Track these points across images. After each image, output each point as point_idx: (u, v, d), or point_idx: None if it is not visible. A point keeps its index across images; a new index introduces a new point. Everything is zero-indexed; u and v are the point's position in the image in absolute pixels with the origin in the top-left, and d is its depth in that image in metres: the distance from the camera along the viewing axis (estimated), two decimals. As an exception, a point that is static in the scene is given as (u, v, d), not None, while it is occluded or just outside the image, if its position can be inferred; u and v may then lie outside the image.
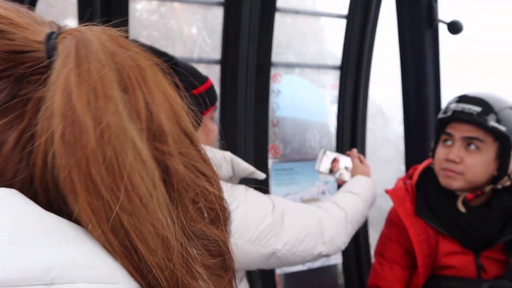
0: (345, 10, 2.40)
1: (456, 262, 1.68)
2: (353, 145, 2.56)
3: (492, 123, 1.51)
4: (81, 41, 0.43)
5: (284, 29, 2.29)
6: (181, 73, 1.30)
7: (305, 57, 2.40)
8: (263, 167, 2.31)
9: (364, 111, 2.53)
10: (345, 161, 1.78)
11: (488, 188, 1.58)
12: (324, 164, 1.77)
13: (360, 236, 2.51)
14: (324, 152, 1.78)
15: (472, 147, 1.54)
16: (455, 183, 1.57)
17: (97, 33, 0.44)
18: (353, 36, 2.40)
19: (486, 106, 1.53)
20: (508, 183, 1.58)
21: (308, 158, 2.44)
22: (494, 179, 1.57)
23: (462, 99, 1.59)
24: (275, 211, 1.33)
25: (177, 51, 2.11)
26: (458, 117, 1.56)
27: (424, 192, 1.71)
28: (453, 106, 1.59)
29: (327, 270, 2.56)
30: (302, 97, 2.64)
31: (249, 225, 1.26)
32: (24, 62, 0.44)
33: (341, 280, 2.58)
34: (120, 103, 0.41)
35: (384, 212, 1.94)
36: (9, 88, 0.43)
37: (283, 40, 2.31)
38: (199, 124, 1.33)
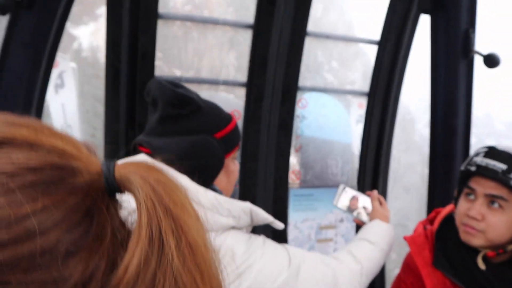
0: (378, 36, 2.33)
1: (472, 318, 1.63)
2: (375, 172, 2.51)
3: None
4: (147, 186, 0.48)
5: (313, 52, 2.24)
6: (205, 117, 1.28)
7: (334, 82, 2.35)
8: (282, 192, 2.29)
9: (389, 139, 2.47)
10: (364, 200, 1.74)
11: (511, 247, 1.52)
12: (343, 200, 1.74)
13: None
14: (344, 188, 1.74)
15: (495, 205, 1.48)
16: (475, 241, 1.52)
17: (148, 172, 0.49)
18: (383, 63, 2.33)
19: (509, 164, 1.47)
20: None
21: (328, 185, 2.41)
22: None
23: (488, 153, 1.53)
24: (291, 266, 1.30)
25: (204, 75, 2.09)
26: (482, 172, 1.50)
27: (444, 241, 1.66)
28: (478, 160, 1.53)
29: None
30: (327, 115, 2.59)
31: (265, 281, 1.24)
32: (88, 194, 0.47)
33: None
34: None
35: (402, 243, 1.90)
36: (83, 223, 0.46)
37: (311, 64, 2.25)
38: (221, 167, 1.31)
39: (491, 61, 2.22)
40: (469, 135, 2.44)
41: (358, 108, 2.74)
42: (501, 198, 1.46)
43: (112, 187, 0.48)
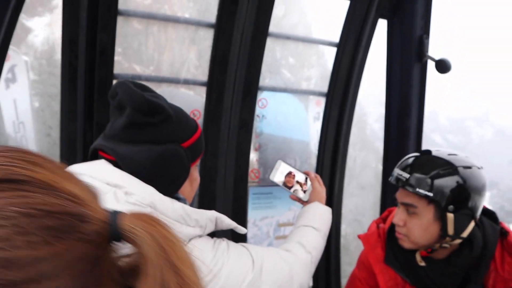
0: (337, 38, 2.37)
1: (422, 311, 1.73)
2: (333, 170, 2.58)
3: (418, 189, 1.54)
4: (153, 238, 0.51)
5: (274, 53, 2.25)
6: (174, 126, 1.27)
7: (293, 83, 2.38)
8: (242, 190, 2.31)
9: (346, 138, 2.54)
10: (300, 177, 1.75)
11: (437, 246, 1.62)
12: (279, 175, 1.75)
13: (331, 264, 2.56)
14: (281, 164, 1.75)
15: (410, 211, 1.59)
16: (404, 244, 1.64)
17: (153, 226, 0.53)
18: (342, 64, 2.39)
19: (416, 172, 1.57)
20: (457, 242, 1.61)
21: (287, 183, 2.44)
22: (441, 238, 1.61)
23: (401, 163, 1.65)
24: (255, 266, 1.33)
25: (165, 71, 2.06)
26: (394, 183, 1.62)
27: (393, 240, 1.75)
28: (394, 170, 1.65)
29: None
30: (286, 113, 2.62)
31: (233, 284, 1.26)
32: (94, 242, 0.49)
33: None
34: None
35: (355, 237, 1.97)
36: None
37: (271, 64, 2.27)
38: (187, 176, 1.31)
39: (442, 66, 2.32)
40: (421, 135, 2.55)
41: (316, 106, 2.79)
42: (411, 205, 1.58)
43: (116, 237, 0.50)
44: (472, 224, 1.60)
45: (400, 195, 1.62)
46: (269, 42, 2.20)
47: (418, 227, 1.58)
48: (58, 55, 1.83)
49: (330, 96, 2.45)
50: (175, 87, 2.15)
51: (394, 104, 2.53)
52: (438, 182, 1.55)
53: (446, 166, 1.57)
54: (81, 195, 0.51)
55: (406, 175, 1.58)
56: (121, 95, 1.21)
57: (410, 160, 1.64)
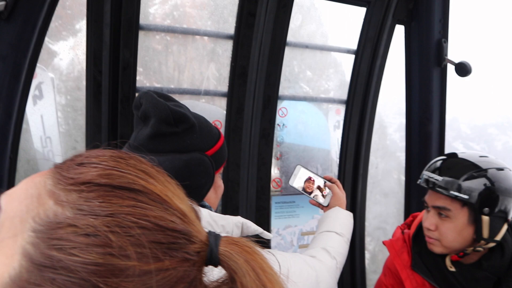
0: (354, 46, 2.38)
1: (451, 317, 1.69)
2: (354, 178, 2.56)
3: (453, 192, 1.52)
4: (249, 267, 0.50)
5: (293, 62, 2.27)
6: (198, 135, 1.28)
7: (313, 90, 2.39)
8: (265, 200, 2.32)
9: (368, 144, 2.53)
10: (319, 182, 1.75)
11: (470, 250, 1.59)
12: (298, 180, 1.74)
13: (357, 270, 2.53)
14: (300, 169, 1.75)
15: (443, 215, 1.56)
16: (436, 248, 1.61)
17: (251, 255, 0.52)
18: (360, 72, 2.39)
19: (449, 175, 1.55)
20: (491, 245, 1.58)
21: (309, 192, 2.44)
22: (474, 241, 1.58)
23: (431, 166, 1.63)
24: (281, 272, 1.33)
25: (186, 83, 2.10)
26: (426, 186, 1.60)
27: (420, 245, 1.73)
28: (424, 173, 1.63)
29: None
30: (306, 122, 2.63)
31: None
32: (195, 263, 0.48)
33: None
34: None
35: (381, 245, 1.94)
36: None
37: (290, 73, 2.29)
38: (212, 184, 1.32)
39: (462, 69, 2.30)
40: (443, 141, 2.52)
41: (336, 114, 2.79)
42: (445, 208, 1.55)
43: (214, 260, 0.50)
44: (505, 227, 1.57)
45: (431, 199, 1.59)
46: (287, 52, 2.22)
47: (451, 231, 1.55)
48: (83, 72, 1.88)
49: (349, 103, 2.45)
50: (196, 99, 2.18)
51: (414, 109, 2.52)
52: (473, 184, 1.52)
53: (479, 168, 1.55)
54: (188, 213, 0.51)
55: (439, 178, 1.56)
56: (146, 105, 1.23)
57: (441, 162, 1.62)
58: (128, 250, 0.44)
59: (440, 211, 1.56)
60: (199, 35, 2.11)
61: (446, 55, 2.38)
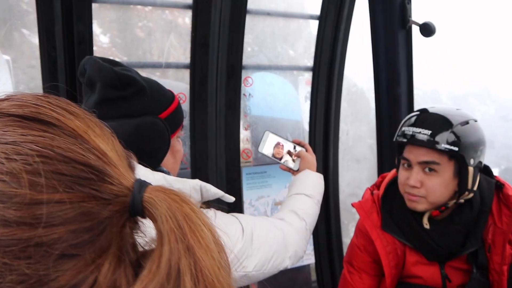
0: (317, 11, 2.35)
1: (422, 272, 1.71)
2: (326, 145, 2.56)
3: (444, 145, 1.49)
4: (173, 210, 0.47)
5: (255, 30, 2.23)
6: (149, 97, 1.24)
7: (277, 59, 2.36)
8: (235, 172, 2.30)
9: (337, 111, 2.52)
10: (289, 146, 1.73)
11: (451, 203, 1.59)
12: (268, 146, 1.72)
13: (332, 236, 2.54)
14: (268, 135, 1.72)
15: (429, 170, 1.53)
16: (420, 206, 1.58)
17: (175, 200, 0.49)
18: (325, 37, 2.36)
19: (436, 128, 1.51)
20: (470, 196, 1.59)
21: (280, 161, 2.42)
22: (456, 194, 1.58)
23: (415, 121, 1.57)
24: (245, 234, 1.31)
25: (146, 57, 2.05)
26: (411, 142, 1.54)
27: (390, 205, 1.72)
28: (406, 129, 1.57)
29: (300, 270, 2.59)
30: (275, 94, 2.60)
31: None
32: (109, 206, 0.45)
33: (314, 277, 2.62)
34: None
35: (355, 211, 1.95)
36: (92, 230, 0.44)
37: (254, 42, 2.25)
38: (168, 148, 1.28)
39: (426, 30, 2.30)
40: (412, 103, 2.53)
41: (306, 85, 2.77)
42: (433, 162, 1.51)
43: (136, 208, 0.47)
44: (478, 177, 1.57)
45: (416, 154, 1.53)
46: (249, 19, 2.18)
47: (439, 186, 1.52)
48: (35, 51, 1.81)
49: (316, 70, 2.43)
50: (159, 72, 2.13)
51: (382, 72, 2.51)
52: (462, 136, 1.49)
53: (463, 120, 1.52)
54: (111, 155, 0.48)
55: (427, 132, 1.50)
56: (90, 71, 1.18)
57: (420, 116, 1.56)
58: (21, 178, 0.41)
59: (428, 166, 1.52)
60: (156, 6, 2.05)
61: (410, 16, 2.37)
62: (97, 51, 1.91)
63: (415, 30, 2.37)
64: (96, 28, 2.01)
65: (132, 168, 0.52)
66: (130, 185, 0.48)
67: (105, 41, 2.01)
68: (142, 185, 0.48)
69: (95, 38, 1.93)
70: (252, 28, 2.26)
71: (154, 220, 0.46)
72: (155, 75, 2.09)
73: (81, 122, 0.49)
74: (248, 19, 2.16)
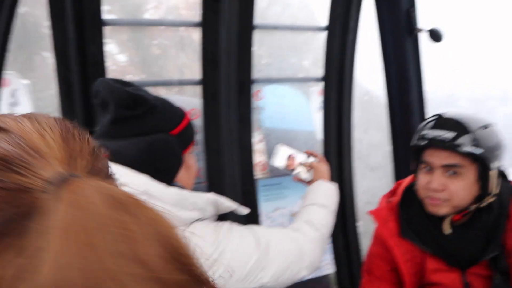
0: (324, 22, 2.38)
1: (443, 279, 1.68)
2: (340, 154, 2.56)
3: (467, 147, 1.47)
4: (78, 204, 0.41)
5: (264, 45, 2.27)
6: (160, 115, 1.28)
7: (287, 71, 2.38)
8: (250, 184, 2.31)
9: (349, 120, 2.53)
10: (301, 158, 1.74)
11: (473, 207, 1.57)
12: (280, 159, 1.74)
13: (351, 245, 2.52)
14: (280, 148, 1.74)
15: (452, 173, 1.51)
16: (442, 210, 1.55)
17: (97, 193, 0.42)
18: (334, 47, 2.39)
19: (459, 130, 1.49)
20: (491, 199, 1.57)
21: (295, 172, 2.43)
22: (478, 198, 1.57)
23: (435, 124, 1.56)
24: (260, 246, 1.33)
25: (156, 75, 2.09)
26: (432, 145, 1.52)
27: (407, 212, 1.71)
28: (426, 132, 1.55)
29: (320, 280, 2.57)
30: (287, 106, 2.63)
31: (238, 266, 1.25)
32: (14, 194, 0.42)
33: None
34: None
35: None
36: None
37: (263, 56, 2.29)
38: (181, 164, 1.31)
39: (434, 35, 2.30)
40: (423, 110, 2.52)
41: (318, 96, 2.79)
42: (456, 165, 1.49)
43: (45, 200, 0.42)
44: (499, 181, 1.56)
45: (439, 157, 1.51)
46: (257, 34, 2.22)
47: (462, 189, 1.50)
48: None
49: (327, 80, 2.45)
50: (170, 89, 2.18)
51: (392, 82, 2.51)
52: (484, 139, 1.49)
53: (482, 124, 1.52)
54: (35, 144, 0.44)
55: (450, 134, 1.48)
56: (103, 92, 1.23)
57: (440, 119, 1.55)
58: None
59: (451, 169, 1.50)
60: (165, 25, 2.11)
61: (416, 23, 2.38)
62: (116, 70, 1.96)
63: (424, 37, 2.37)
64: (113, 48, 2.06)
65: (94, 173, 0.48)
66: (48, 176, 0.43)
67: (122, 60, 2.07)
68: (64, 177, 0.42)
69: (113, 57, 1.99)
70: (261, 42, 2.29)
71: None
72: (172, 92, 2.14)
73: (11, 119, 0.47)
74: (257, 33, 2.20)
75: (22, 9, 2.08)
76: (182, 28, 2.11)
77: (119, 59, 2.12)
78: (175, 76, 2.19)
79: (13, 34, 1.82)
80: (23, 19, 2.05)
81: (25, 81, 2.20)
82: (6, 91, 2.01)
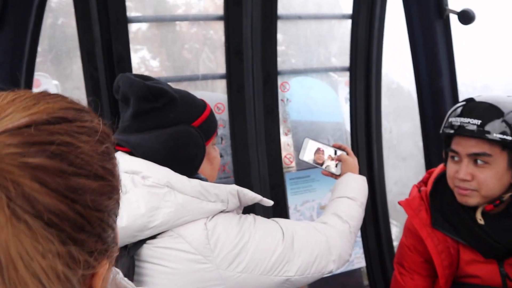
0: (349, 10, 2.33)
1: (479, 271, 1.62)
2: (368, 144, 2.51)
3: (495, 135, 1.40)
4: None
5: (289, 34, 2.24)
6: (181, 107, 1.28)
7: (312, 61, 2.34)
8: (278, 177, 2.30)
9: (378, 109, 2.47)
10: (329, 151, 1.72)
11: (506, 196, 1.50)
12: (308, 153, 1.71)
13: (382, 238, 2.47)
14: (308, 142, 1.71)
15: (481, 162, 1.45)
16: (471, 200, 1.50)
17: None
18: (359, 36, 2.33)
19: (486, 117, 1.42)
20: None
21: (323, 164, 2.40)
22: (511, 187, 1.49)
23: (462, 111, 1.49)
24: (285, 238, 1.31)
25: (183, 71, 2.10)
26: (459, 133, 1.46)
27: (439, 201, 1.65)
28: (453, 120, 1.49)
29: (351, 274, 2.54)
30: (314, 97, 2.59)
31: (262, 258, 1.24)
32: None
33: (366, 282, 2.56)
34: None
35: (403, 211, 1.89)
36: None
37: (288, 47, 2.26)
38: (204, 155, 1.31)
39: (465, 17, 2.21)
40: (457, 94, 2.43)
41: (346, 87, 2.74)
42: (484, 154, 1.43)
43: None
44: None
45: (465, 146, 1.45)
46: (281, 25, 2.19)
47: (491, 178, 1.43)
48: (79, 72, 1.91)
49: (353, 69, 2.40)
50: (194, 84, 2.18)
51: (422, 66, 2.43)
52: None
53: None
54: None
55: (477, 121, 1.41)
56: (123, 87, 1.24)
57: (467, 105, 1.48)
58: None
59: (478, 158, 1.44)
60: (188, 20, 2.11)
61: (447, 5, 2.28)
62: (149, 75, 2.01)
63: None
64: (146, 54, 2.10)
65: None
66: None
67: (155, 65, 2.10)
68: None
69: (146, 63, 2.02)
70: (285, 32, 2.26)
71: None
72: (207, 90, 2.15)
73: None
74: (280, 24, 2.17)
75: (59, 20, 2.13)
76: (212, 31, 2.10)
77: (152, 64, 2.14)
78: (208, 82, 2.19)
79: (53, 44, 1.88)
80: (62, 30, 2.10)
81: (55, 82, 2.25)
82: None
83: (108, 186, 0.50)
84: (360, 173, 1.67)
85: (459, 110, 1.51)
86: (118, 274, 0.64)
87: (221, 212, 1.25)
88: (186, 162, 1.27)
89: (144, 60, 2.15)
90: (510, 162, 1.44)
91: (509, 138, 1.40)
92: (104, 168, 0.50)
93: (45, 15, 1.86)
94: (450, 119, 1.52)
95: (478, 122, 1.42)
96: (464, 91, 2.37)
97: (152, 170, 1.19)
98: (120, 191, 0.55)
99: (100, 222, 0.49)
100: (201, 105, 1.33)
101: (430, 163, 2.48)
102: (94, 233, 0.48)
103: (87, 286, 0.49)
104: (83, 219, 0.46)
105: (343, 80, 2.74)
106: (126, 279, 0.65)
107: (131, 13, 2.03)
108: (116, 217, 0.55)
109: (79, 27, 1.93)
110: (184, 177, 1.20)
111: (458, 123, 1.47)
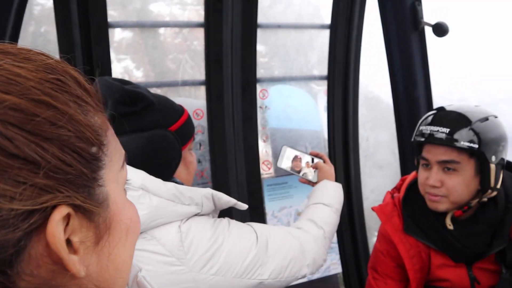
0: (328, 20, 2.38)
1: (449, 275, 1.66)
2: (345, 153, 2.55)
3: (463, 143, 1.45)
4: None
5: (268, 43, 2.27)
6: (158, 111, 1.29)
7: (292, 70, 2.38)
8: (256, 184, 2.32)
9: (355, 118, 2.51)
10: (307, 159, 1.75)
11: (474, 202, 1.54)
12: (286, 161, 1.74)
13: (359, 244, 2.51)
14: (285, 149, 1.74)
15: (449, 169, 1.49)
16: (441, 206, 1.54)
17: None
18: (338, 45, 2.38)
19: (455, 125, 1.47)
20: (494, 194, 1.55)
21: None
22: (479, 193, 1.54)
23: (433, 119, 1.54)
24: (259, 242, 1.32)
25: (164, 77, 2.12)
26: (429, 141, 1.51)
27: (411, 207, 1.69)
28: (423, 128, 1.54)
29: (328, 280, 2.56)
30: (293, 105, 2.62)
31: (235, 261, 1.25)
32: None
33: (342, 287, 2.58)
34: None
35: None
36: None
37: (267, 55, 2.29)
38: (180, 160, 1.32)
39: (439, 30, 2.27)
40: (431, 104, 2.49)
41: (325, 96, 2.78)
42: (452, 161, 1.47)
43: None
44: (502, 174, 1.53)
45: (435, 153, 1.50)
46: (260, 33, 2.22)
47: (460, 185, 1.48)
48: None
49: (331, 78, 2.44)
50: (175, 90, 2.20)
51: (398, 76, 2.48)
52: (482, 132, 1.46)
53: (482, 117, 1.49)
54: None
55: (445, 130, 1.46)
56: (102, 91, 1.25)
57: (437, 114, 1.53)
58: None
59: (447, 166, 1.48)
60: (169, 27, 2.13)
61: (422, 17, 2.35)
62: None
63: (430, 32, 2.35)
64: (129, 63, 2.11)
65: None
66: None
67: (139, 75, 2.10)
68: None
69: (129, 73, 2.03)
70: (265, 41, 2.30)
71: None
72: (189, 97, 2.16)
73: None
74: (260, 33, 2.20)
75: (41, 28, 2.13)
76: (196, 42, 2.13)
77: (136, 74, 2.15)
78: (191, 89, 2.21)
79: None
80: (44, 38, 2.10)
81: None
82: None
83: (57, 115, 0.43)
84: (337, 180, 1.70)
85: (429, 118, 1.56)
86: (140, 271, 0.59)
87: (196, 215, 1.26)
88: (162, 166, 1.28)
89: (128, 70, 2.16)
90: (477, 169, 1.49)
91: (476, 146, 1.45)
92: (50, 96, 0.43)
93: (28, 23, 1.86)
94: (421, 127, 1.57)
95: (447, 130, 1.47)
96: (442, 103, 2.42)
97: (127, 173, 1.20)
98: (99, 145, 0.48)
99: (37, 147, 0.41)
100: (179, 110, 1.35)
101: (405, 170, 2.53)
102: (24, 159, 0.40)
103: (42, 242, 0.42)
104: (3, 138, 0.39)
105: (322, 89, 2.79)
106: (148, 278, 0.60)
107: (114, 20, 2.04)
108: (99, 168, 0.47)
109: (59, 30, 1.93)
110: (159, 180, 1.21)
111: (428, 131, 1.51)
